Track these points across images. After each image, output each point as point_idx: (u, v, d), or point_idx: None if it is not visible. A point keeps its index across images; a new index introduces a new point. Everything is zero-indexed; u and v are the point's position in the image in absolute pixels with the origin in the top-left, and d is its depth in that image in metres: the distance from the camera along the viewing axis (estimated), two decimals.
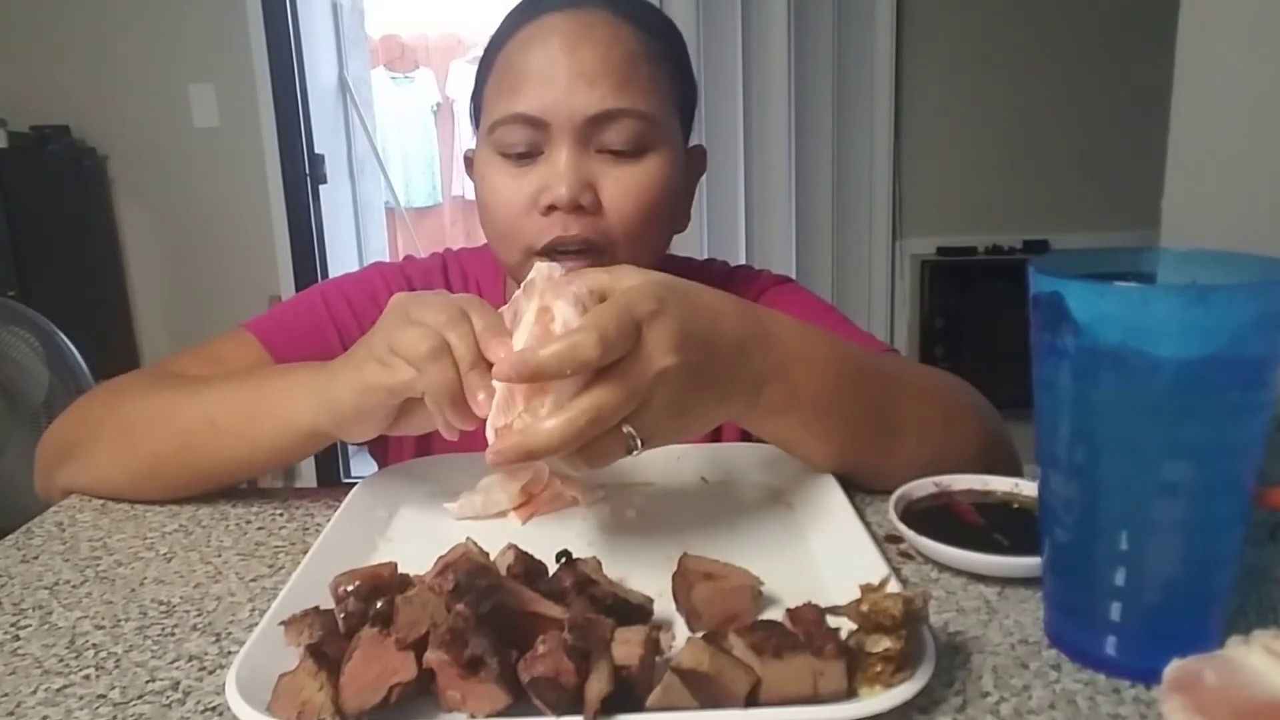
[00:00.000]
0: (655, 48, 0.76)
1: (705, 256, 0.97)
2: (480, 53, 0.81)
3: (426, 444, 0.85)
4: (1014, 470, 0.68)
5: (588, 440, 0.50)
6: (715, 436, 0.82)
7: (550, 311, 0.52)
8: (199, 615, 0.53)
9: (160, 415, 0.70)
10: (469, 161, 0.83)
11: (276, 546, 0.63)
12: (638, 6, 0.77)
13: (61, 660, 0.49)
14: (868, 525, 0.57)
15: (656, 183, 0.75)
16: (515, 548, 0.49)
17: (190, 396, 0.70)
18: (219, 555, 0.62)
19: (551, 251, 0.73)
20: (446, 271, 0.90)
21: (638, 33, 0.75)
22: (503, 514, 0.65)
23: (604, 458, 0.52)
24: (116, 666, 0.48)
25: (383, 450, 0.87)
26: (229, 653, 0.49)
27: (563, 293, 0.52)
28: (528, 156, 0.74)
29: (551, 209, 0.73)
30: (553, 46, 0.72)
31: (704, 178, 0.88)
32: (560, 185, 0.71)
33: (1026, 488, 0.60)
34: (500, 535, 0.58)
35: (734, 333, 0.56)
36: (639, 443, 0.52)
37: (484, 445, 0.86)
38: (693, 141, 0.85)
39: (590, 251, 0.74)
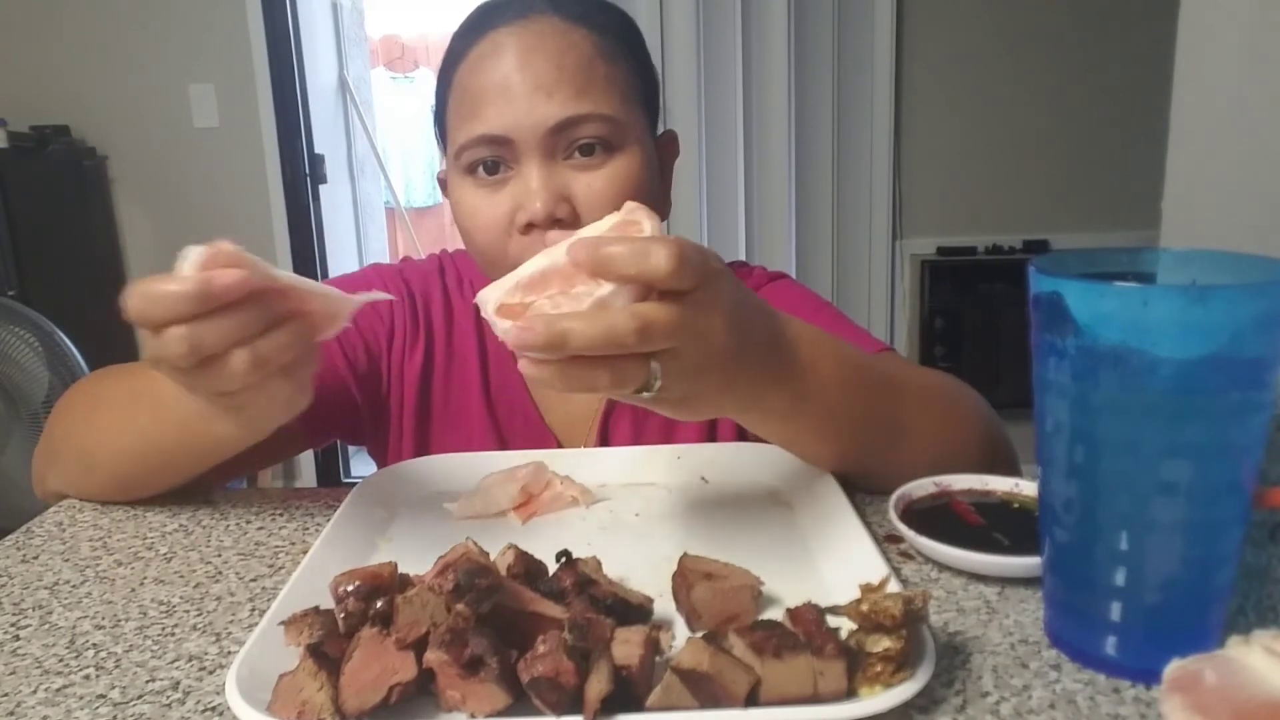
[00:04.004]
0: (610, 46, 0.75)
1: None
2: None
3: (426, 444, 0.85)
4: (1013, 470, 0.68)
5: (621, 351, 0.46)
6: (712, 436, 0.82)
7: (638, 224, 0.50)
8: (199, 615, 0.53)
9: (110, 442, 0.69)
10: (443, 183, 0.82)
11: (276, 546, 0.63)
12: (588, 6, 0.76)
13: (61, 660, 0.49)
14: (868, 525, 0.57)
15: (629, 182, 0.74)
16: (515, 548, 0.49)
17: (132, 418, 0.68)
18: (219, 555, 0.62)
19: None
20: (443, 273, 0.90)
21: (590, 34, 0.74)
22: (503, 514, 0.65)
23: (619, 382, 0.47)
24: (116, 666, 0.48)
25: (382, 450, 0.87)
26: (229, 653, 0.49)
27: (652, 215, 0.50)
28: (498, 175, 0.74)
29: (529, 227, 0.72)
30: (506, 63, 0.72)
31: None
32: (534, 202, 0.71)
33: (1026, 488, 0.60)
34: (500, 535, 0.58)
35: (762, 331, 0.55)
36: (657, 383, 0.48)
37: (483, 446, 0.86)
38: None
39: None
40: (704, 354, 0.49)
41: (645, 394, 0.49)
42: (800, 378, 0.58)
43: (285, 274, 0.53)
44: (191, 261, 0.50)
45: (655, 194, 0.79)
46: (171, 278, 0.49)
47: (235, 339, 0.50)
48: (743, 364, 0.53)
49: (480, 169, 0.74)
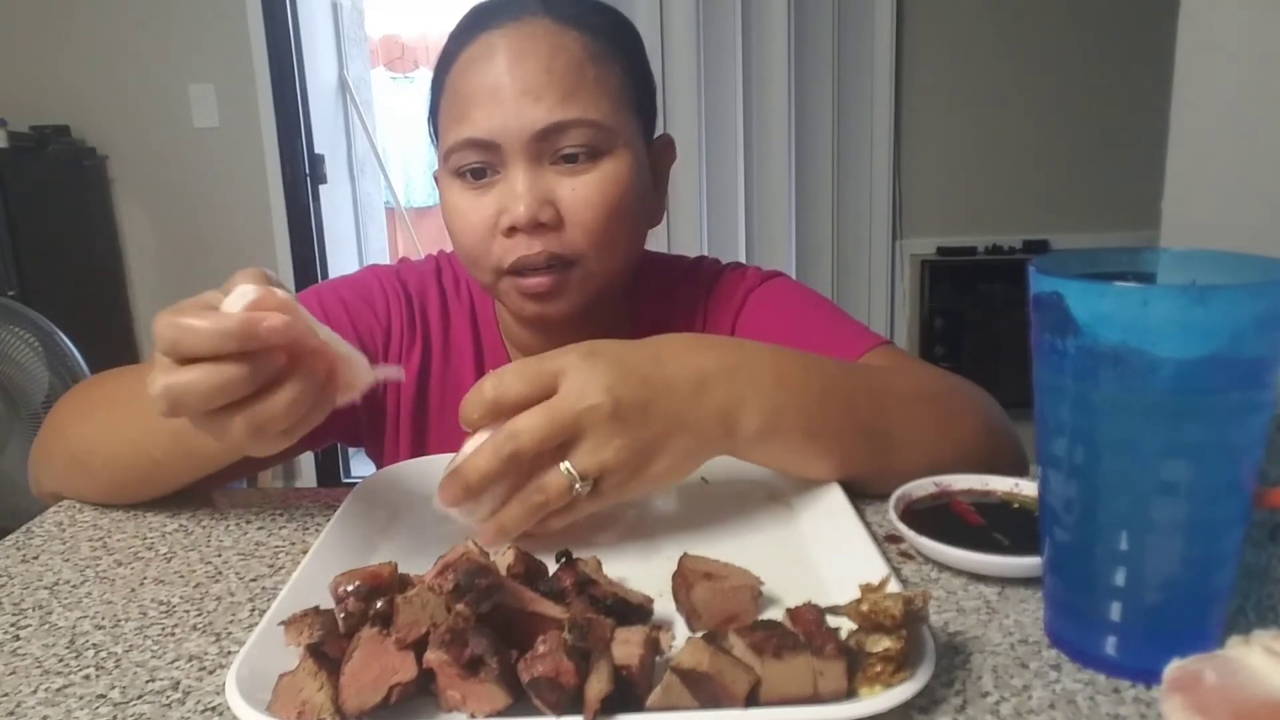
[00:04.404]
0: (601, 50, 0.74)
1: (699, 255, 0.96)
2: None
3: (423, 445, 0.85)
4: (1020, 465, 0.68)
5: (514, 468, 0.53)
6: None
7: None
8: (199, 615, 0.53)
9: (102, 449, 0.69)
10: (439, 180, 0.83)
11: (276, 546, 0.63)
12: (582, 8, 0.76)
13: (61, 660, 0.49)
14: (868, 525, 0.57)
15: (616, 187, 0.74)
16: (515, 548, 0.49)
17: (125, 427, 0.67)
18: (219, 555, 0.62)
19: (521, 270, 0.73)
20: (440, 274, 0.90)
21: (581, 37, 0.73)
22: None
23: (542, 494, 0.54)
24: (116, 666, 0.48)
25: (379, 452, 0.87)
26: (229, 653, 0.49)
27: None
28: (485, 178, 0.74)
29: (513, 230, 0.72)
30: (496, 66, 0.72)
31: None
32: (518, 205, 0.71)
33: (1026, 488, 0.60)
34: None
35: (687, 367, 0.57)
36: (578, 478, 0.54)
37: None
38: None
39: (558, 265, 0.73)
40: (608, 429, 0.54)
41: (579, 486, 0.54)
42: (771, 395, 0.58)
43: (324, 331, 0.52)
44: (241, 300, 0.48)
45: (644, 198, 0.79)
46: (211, 312, 0.48)
47: (248, 390, 0.48)
48: (676, 409, 0.56)
49: (468, 175, 0.74)
